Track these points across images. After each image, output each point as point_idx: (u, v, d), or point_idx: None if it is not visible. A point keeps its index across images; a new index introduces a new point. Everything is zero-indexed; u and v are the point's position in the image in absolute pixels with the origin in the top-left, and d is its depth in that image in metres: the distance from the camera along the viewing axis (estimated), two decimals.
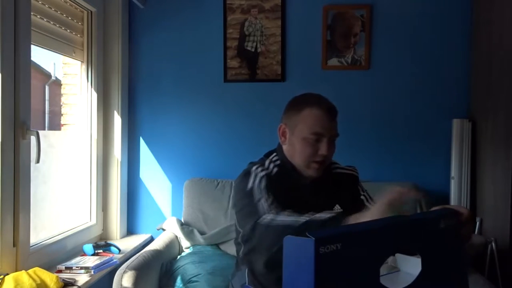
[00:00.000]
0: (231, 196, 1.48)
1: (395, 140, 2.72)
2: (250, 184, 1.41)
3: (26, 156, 1.86)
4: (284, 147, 1.52)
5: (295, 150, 1.47)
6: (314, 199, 1.47)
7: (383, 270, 0.77)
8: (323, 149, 1.43)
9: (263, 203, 1.35)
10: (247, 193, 1.40)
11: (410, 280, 0.78)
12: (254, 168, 1.47)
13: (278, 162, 1.51)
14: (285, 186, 1.44)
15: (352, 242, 0.72)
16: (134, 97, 2.78)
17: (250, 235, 1.33)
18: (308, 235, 0.69)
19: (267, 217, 1.29)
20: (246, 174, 1.46)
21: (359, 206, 1.49)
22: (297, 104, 1.51)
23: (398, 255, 0.92)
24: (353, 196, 1.57)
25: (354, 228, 0.77)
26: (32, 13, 1.92)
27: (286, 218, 1.26)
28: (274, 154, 1.55)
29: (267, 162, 1.51)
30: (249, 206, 1.38)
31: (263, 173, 1.44)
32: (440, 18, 2.69)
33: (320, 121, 1.43)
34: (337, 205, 1.50)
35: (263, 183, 1.40)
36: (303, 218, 1.22)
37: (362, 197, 1.57)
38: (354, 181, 1.62)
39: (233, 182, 2.61)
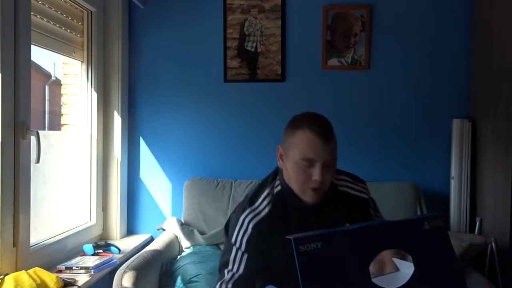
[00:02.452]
0: None
1: (395, 140, 2.72)
2: (234, 238, 1.37)
3: (26, 156, 1.86)
4: (283, 171, 1.42)
5: (290, 176, 1.37)
6: (318, 224, 1.37)
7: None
8: (316, 175, 1.31)
9: (228, 274, 1.35)
10: (230, 246, 1.38)
11: (402, 281, 0.80)
12: (243, 216, 1.38)
13: (279, 188, 1.43)
14: (279, 225, 1.36)
15: (332, 241, 0.77)
16: (134, 97, 2.78)
17: None
18: (289, 236, 0.76)
19: None
20: (236, 222, 1.39)
21: None
22: (292, 125, 1.39)
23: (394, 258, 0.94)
24: (365, 220, 1.45)
25: (334, 229, 0.82)
26: (32, 13, 1.92)
27: None
28: (278, 177, 1.45)
29: (262, 197, 1.41)
30: (223, 264, 1.39)
31: (252, 224, 1.36)
32: (440, 18, 2.69)
33: (311, 146, 1.31)
34: (346, 225, 1.42)
35: (244, 243, 1.35)
36: None
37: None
38: (364, 205, 1.48)
39: (233, 182, 2.64)
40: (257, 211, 1.39)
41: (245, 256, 1.35)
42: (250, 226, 1.35)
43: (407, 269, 0.84)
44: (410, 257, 0.83)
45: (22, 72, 1.82)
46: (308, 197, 1.36)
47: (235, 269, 1.36)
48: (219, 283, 1.37)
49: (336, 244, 0.76)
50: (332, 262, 0.75)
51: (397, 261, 0.93)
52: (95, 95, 2.55)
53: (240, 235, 1.36)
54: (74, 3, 2.37)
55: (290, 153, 1.35)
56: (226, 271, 1.38)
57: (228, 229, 1.43)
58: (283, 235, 1.28)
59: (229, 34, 2.73)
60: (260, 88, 2.74)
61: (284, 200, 1.40)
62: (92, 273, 1.95)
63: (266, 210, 1.38)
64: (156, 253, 2.27)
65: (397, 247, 0.85)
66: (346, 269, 0.76)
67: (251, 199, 1.43)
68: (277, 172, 1.47)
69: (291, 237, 0.74)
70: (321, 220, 1.38)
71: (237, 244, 1.36)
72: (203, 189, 2.61)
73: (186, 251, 2.52)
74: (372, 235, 0.81)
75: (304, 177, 1.32)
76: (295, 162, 1.33)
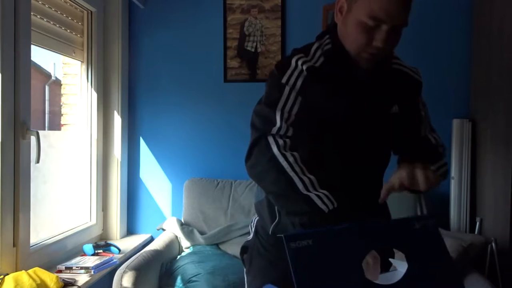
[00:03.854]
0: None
1: None
2: (285, 78, 1.17)
3: (26, 156, 1.86)
4: (338, 26, 1.22)
5: (348, 34, 1.17)
6: (367, 94, 1.22)
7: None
8: (378, 40, 1.11)
9: (281, 119, 1.14)
10: (280, 86, 1.17)
11: (395, 279, 0.81)
12: (295, 58, 1.19)
13: (329, 46, 1.22)
14: (333, 78, 1.20)
15: (323, 239, 0.80)
16: (134, 97, 2.78)
17: (250, 151, 1.18)
18: (280, 235, 0.78)
19: (275, 149, 1.10)
20: (286, 64, 1.20)
21: (416, 120, 1.31)
22: None
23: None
24: (412, 104, 1.32)
25: (325, 228, 0.85)
26: (32, 13, 1.93)
27: (293, 170, 1.07)
28: (327, 36, 1.25)
29: (313, 49, 1.23)
30: (271, 108, 1.16)
31: (305, 66, 1.17)
32: (440, 18, 2.69)
33: (387, 3, 1.09)
34: (395, 106, 1.26)
35: (299, 83, 1.16)
36: (307, 183, 1.06)
37: (423, 113, 1.34)
38: (415, 88, 1.34)
39: (233, 182, 2.64)
40: (310, 59, 1.21)
41: (299, 99, 1.17)
42: (304, 67, 1.17)
43: (400, 267, 0.85)
44: (403, 256, 0.84)
45: (22, 72, 1.82)
46: (363, 61, 1.18)
47: (287, 108, 1.16)
48: (277, 125, 1.13)
49: (327, 242, 0.79)
50: (323, 258, 0.78)
51: (392, 260, 0.93)
52: (95, 95, 2.55)
53: (295, 76, 1.18)
54: (74, 3, 2.37)
55: (354, 8, 1.14)
56: (277, 109, 1.16)
57: (271, 76, 1.24)
58: (335, 94, 1.19)
59: (229, 34, 2.73)
60: (260, 88, 2.67)
61: (335, 59, 1.21)
62: (92, 273, 1.96)
63: (320, 61, 1.21)
64: (156, 253, 2.28)
65: (389, 245, 0.87)
66: (337, 265, 0.78)
67: (300, 50, 1.24)
68: (327, 31, 1.28)
69: (282, 236, 0.77)
70: (372, 90, 1.22)
71: (290, 83, 1.17)
72: (203, 189, 2.61)
73: (186, 251, 2.52)
74: (362, 234, 0.83)
75: (365, 40, 1.13)
76: (358, 19, 1.13)
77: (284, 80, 1.18)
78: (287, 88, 1.17)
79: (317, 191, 1.06)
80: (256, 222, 1.40)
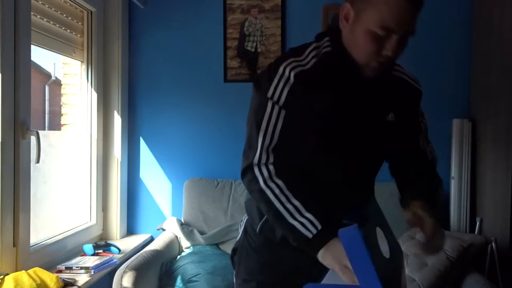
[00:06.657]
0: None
1: None
2: (271, 91, 1.16)
3: (26, 156, 1.86)
4: (344, 33, 1.18)
5: (355, 42, 1.13)
6: (364, 100, 1.20)
7: None
8: (389, 49, 1.09)
9: (262, 145, 1.17)
10: (264, 101, 1.17)
11: None
12: (284, 65, 1.16)
13: (328, 49, 1.19)
14: (326, 81, 1.17)
15: None
16: (134, 97, 2.78)
17: (242, 176, 1.20)
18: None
19: (261, 182, 1.14)
20: (274, 70, 1.17)
21: (415, 131, 1.31)
22: None
23: None
24: (411, 114, 1.31)
25: None
26: (32, 13, 1.93)
27: (279, 202, 1.11)
28: (327, 38, 1.22)
29: (309, 49, 1.20)
30: (255, 129, 1.18)
31: (294, 72, 1.14)
32: (440, 18, 2.69)
33: (398, 13, 1.07)
34: (391, 114, 1.24)
35: (284, 95, 1.15)
36: (298, 211, 1.09)
37: (422, 125, 1.33)
38: (416, 97, 1.32)
39: (233, 182, 2.64)
40: (301, 62, 1.17)
41: (283, 113, 1.16)
42: (292, 74, 1.14)
43: None
44: None
45: (22, 72, 1.82)
46: (370, 70, 1.15)
47: (270, 129, 1.17)
48: (257, 152, 1.17)
49: None
50: None
51: None
52: (95, 95, 2.54)
53: (280, 86, 1.15)
54: (74, 3, 2.37)
55: (364, 16, 1.10)
56: (261, 130, 1.17)
57: (258, 85, 1.21)
58: (327, 94, 1.17)
59: (229, 34, 2.73)
60: None
61: (333, 64, 1.18)
62: (92, 273, 1.96)
63: (312, 63, 1.18)
64: (156, 253, 2.28)
65: None
66: None
67: (295, 50, 1.21)
68: (326, 33, 1.24)
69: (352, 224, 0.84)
70: (371, 97, 1.20)
71: (275, 98, 1.15)
72: (203, 189, 2.61)
73: (186, 251, 2.52)
74: None
75: (375, 49, 1.10)
76: (368, 29, 1.09)
77: (269, 94, 1.16)
78: (269, 104, 1.17)
79: (303, 217, 1.09)
80: (246, 221, 1.38)
